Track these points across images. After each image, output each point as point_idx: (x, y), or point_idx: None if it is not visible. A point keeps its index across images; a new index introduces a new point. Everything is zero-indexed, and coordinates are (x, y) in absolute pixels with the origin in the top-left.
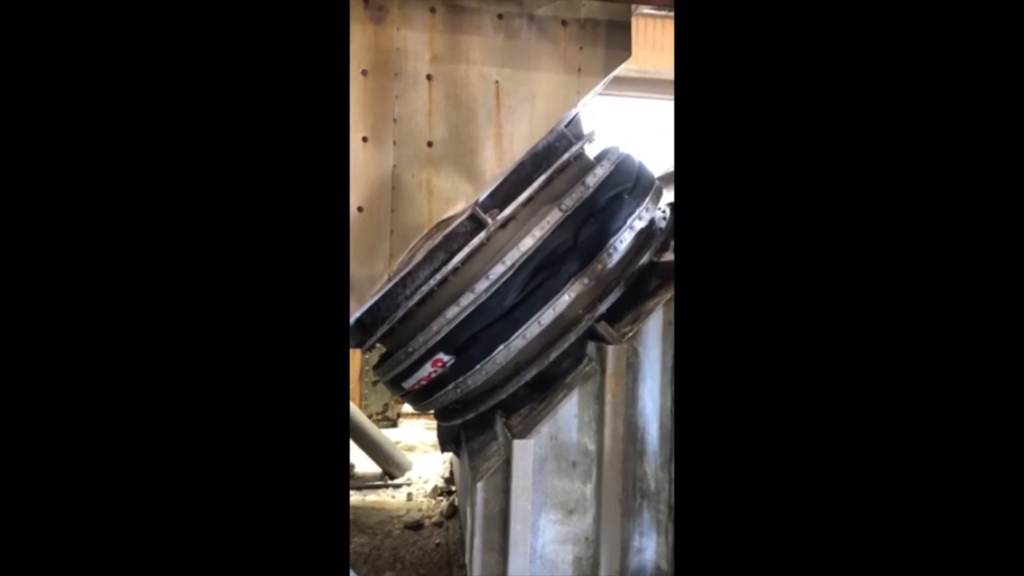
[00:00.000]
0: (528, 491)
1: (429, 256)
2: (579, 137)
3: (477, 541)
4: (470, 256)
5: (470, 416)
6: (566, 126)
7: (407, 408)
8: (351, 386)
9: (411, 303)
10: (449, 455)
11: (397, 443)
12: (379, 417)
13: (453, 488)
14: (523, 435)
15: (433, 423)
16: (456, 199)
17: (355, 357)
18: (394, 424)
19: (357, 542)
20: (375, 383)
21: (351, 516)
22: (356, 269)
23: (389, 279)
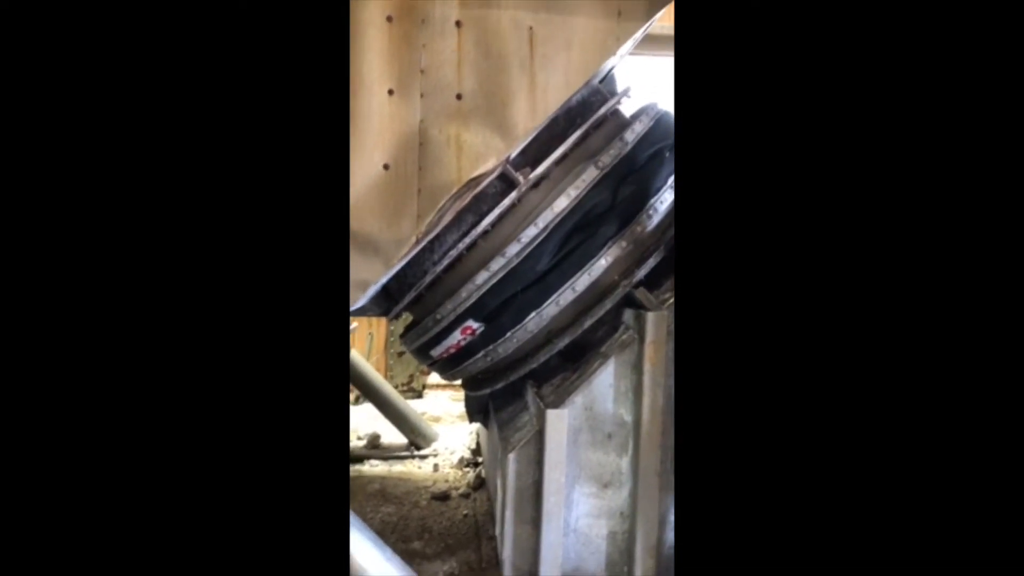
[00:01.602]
0: (562, 463)
1: (457, 219)
2: (614, 94)
3: (508, 514)
4: (500, 218)
5: (499, 385)
6: (600, 82)
7: (432, 379)
8: (377, 357)
9: (439, 268)
10: (476, 426)
11: (423, 414)
12: (404, 388)
13: (480, 459)
14: (556, 405)
15: (459, 394)
16: (487, 155)
17: (380, 327)
18: (419, 395)
19: (385, 512)
20: (400, 354)
21: (378, 486)
22: (382, 231)
23: (417, 242)
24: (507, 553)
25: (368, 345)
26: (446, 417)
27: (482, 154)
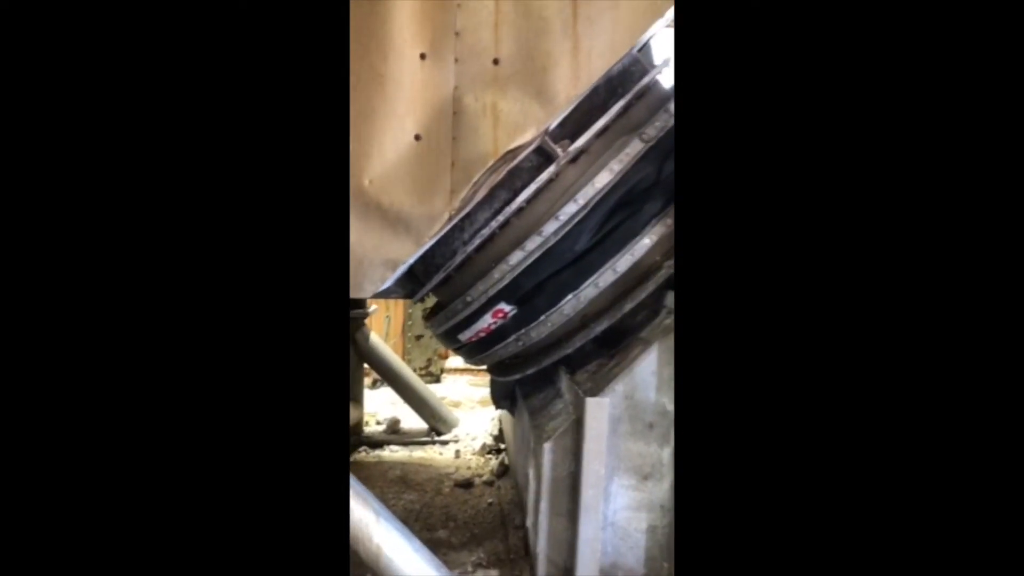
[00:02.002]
0: (602, 454)
1: (490, 195)
2: (653, 65)
3: (543, 506)
4: (537, 194)
5: (530, 371)
6: (637, 52)
7: (451, 363)
8: (394, 340)
9: (469, 248)
10: (497, 412)
11: (442, 399)
12: (422, 372)
13: (502, 446)
14: (595, 393)
15: (477, 379)
16: (525, 125)
17: (398, 310)
18: (437, 380)
19: (407, 499)
20: (418, 337)
21: (400, 472)
22: (413, 207)
23: (450, 218)
24: (541, 546)
25: (385, 328)
26: (466, 402)
27: (520, 124)
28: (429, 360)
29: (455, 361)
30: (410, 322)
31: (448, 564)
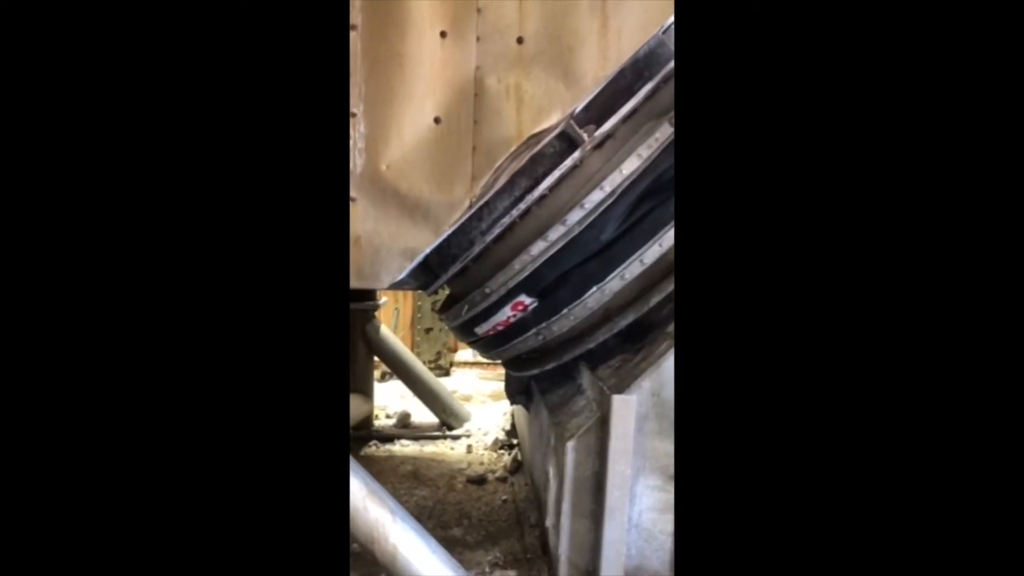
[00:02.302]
0: (628, 454)
1: (510, 183)
2: None
3: (565, 506)
4: (560, 182)
5: (549, 366)
6: (662, 33)
7: (460, 356)
8: (403, 333)
9: (488, 238)
10: (509, 407)
11: (452, 392)
12: (432, 365)
13: (515, 441)
14: (620, 390)
15: (488, 372)
16: (550, 108)
17: (407, 302)
18: (447, 373)
19: (419, 495)
20: (427, 330)
21: (411, 468)
22: (432, 194)
23: (471, 206)
24: (563, 548)
25: (394, 321)
26: (476, 396)
27: (545, 107)
28: (439, 353)
29: (465, 354)
30: (419, 315)
31: (464, 564)
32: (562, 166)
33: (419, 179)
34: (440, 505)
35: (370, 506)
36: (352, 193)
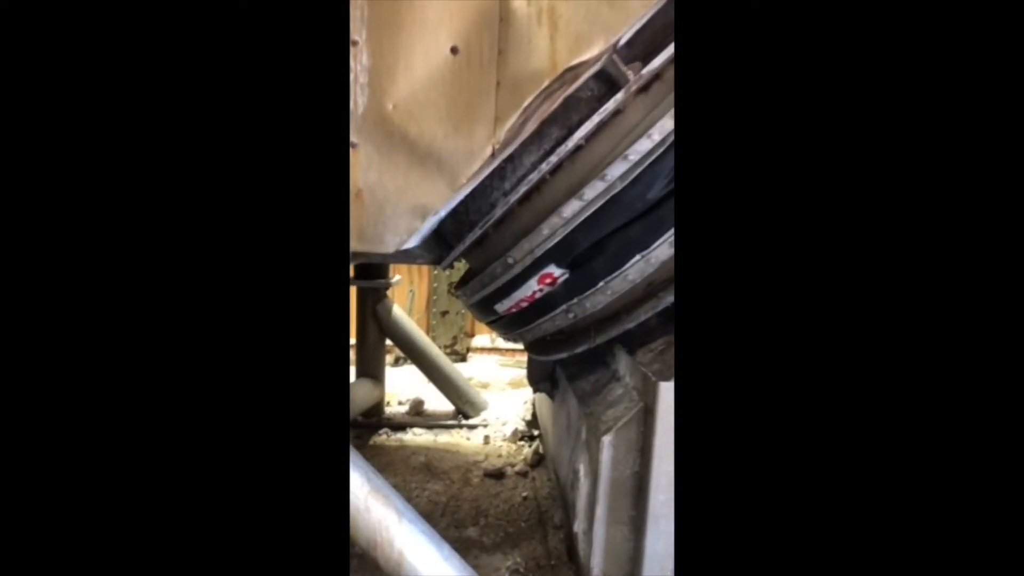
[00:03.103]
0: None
1: (538, 133)
2: None
3: (600, 511)
4: (598, 130)
5: (579, 349)
6: None
7: (477, 342)
8: (418, 316)
9: (512, 199)
10: (530, 395)
11: (469, 379)
12: (447, 351)
13: (536, 432)
14: (668, 377)
15: (508, 359)
16: (591, 35)
17: (422, 283)
18: (463, 359)
19: (432, 490)
20: (443, 314)
21: (423, 459)
22: (448, 139)
23: (493, 155)
24: (596, 560)
25: (409, 303)
26: (494, 384)
27: (585, 33)
28: (455, 338)
29: (482, 339)
30: (435, 296)
31: (480, 570)
32: (602, 110)
33: (432, 121)
34: (454, 501)
35: (373, 505)
36: (352, 138)
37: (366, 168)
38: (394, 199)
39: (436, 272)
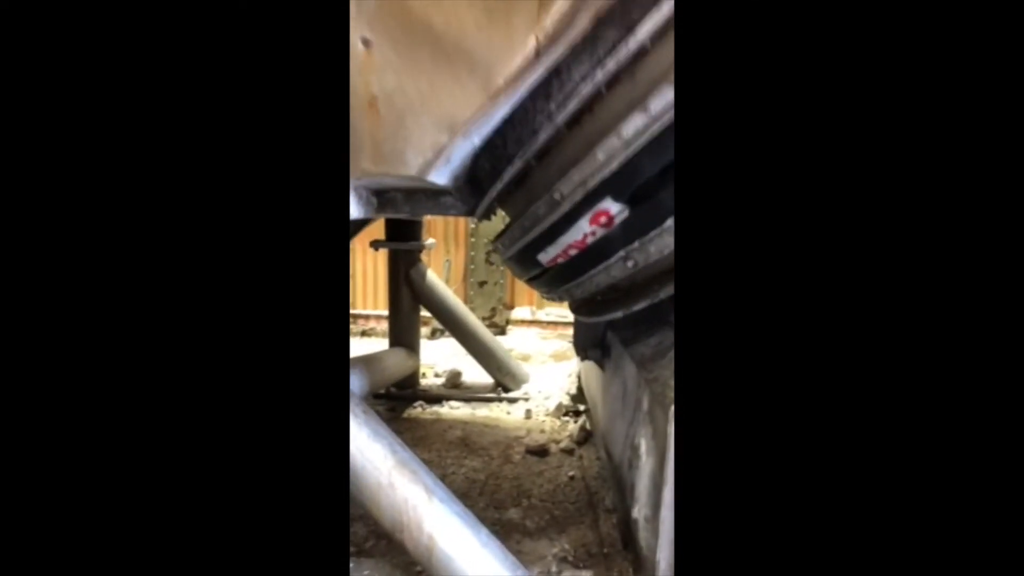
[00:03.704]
0: None
1: (592, 36)
2: None
3: (668, 495)
4: (666, 30)
5: (640, 306)
6: None
7: (517, 314)
8: (456, 287)
9: (559, 121)
10: (576, 367)
11: (508, 351)
12: (486, 323)
13: (582, 407)
14: None
15: (548, 331)
16: None
17: (459, 252)
18: (503, 331)
19: (469, 466)
20: (481, 284)
21: (460, 433)
22: (480, 31)
23: (538, 52)
24: (664, 552)
25: (445, 273)
26: (536, 356)
27: None
28: (493, 310)
29: (523, 312)
30: (472, 266)
31: (523, 557)
32: (665, 5)
33: (461, 8)
34: (494, 479)
35: (398, 481)
36: (364, 33)
37: (381, 71)
38: (416, 108)
39: (474, 240)
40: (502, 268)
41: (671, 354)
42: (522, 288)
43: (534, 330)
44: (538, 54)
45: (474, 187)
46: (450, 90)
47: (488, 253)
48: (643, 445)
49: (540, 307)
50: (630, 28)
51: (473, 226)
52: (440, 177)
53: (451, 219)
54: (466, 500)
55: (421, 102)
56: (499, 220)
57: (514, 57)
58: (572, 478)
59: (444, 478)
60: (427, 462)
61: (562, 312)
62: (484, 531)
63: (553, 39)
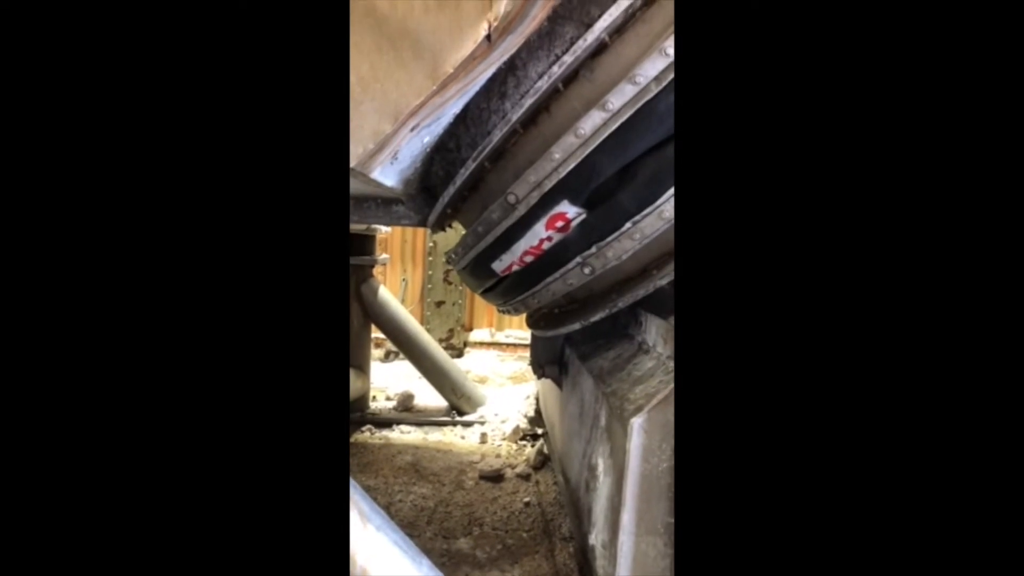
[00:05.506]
0: None
1: (549, 32)
2: None
3: (627, 517)
4: (626, 24)
5: (598, 316)
6: None
7: (475, 336)
8: (412, 307)
9: (514, 120)
10: (535, 388)
11: (465, 372)
12: (443, 345)
13: (540, 431)
14: None
15: (507, 353)
16: None
17: (416, 272)
18: (460, 354)
19: (418, 493)
20: (439, 304)
21: (411, 458)
22: (428, 13)
23: (490, 38)
24: None
25: (401, 293)
26: (493, 378)
27: None
28: (451, 331)
29: (481, 334)
30: (430, 285)
31: None
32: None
33: None
34: (444, 507)
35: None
36: None
37: None
38: (356, 94)
39: (431, 258)
40: (461, 288)
41: (630, 367)
42: (482, 309)
43: (493, 352)
44: (490, 40)
45: (428, 195)
46: (393, 75)
47: (447, 272)
48: (600, 464)
49: (500, 328)
50: (588, 24)
51: (431, 244)
52: (386, 177)
53: (408, 237)
54: (412, 529)
55: (362, 88)
56: (455, 235)
57: (464, 42)
58: (527, 504)
59: (390, 506)
60: (372, 489)
61: (522, 334)
62: (426, 562)
63: (506, 27)
